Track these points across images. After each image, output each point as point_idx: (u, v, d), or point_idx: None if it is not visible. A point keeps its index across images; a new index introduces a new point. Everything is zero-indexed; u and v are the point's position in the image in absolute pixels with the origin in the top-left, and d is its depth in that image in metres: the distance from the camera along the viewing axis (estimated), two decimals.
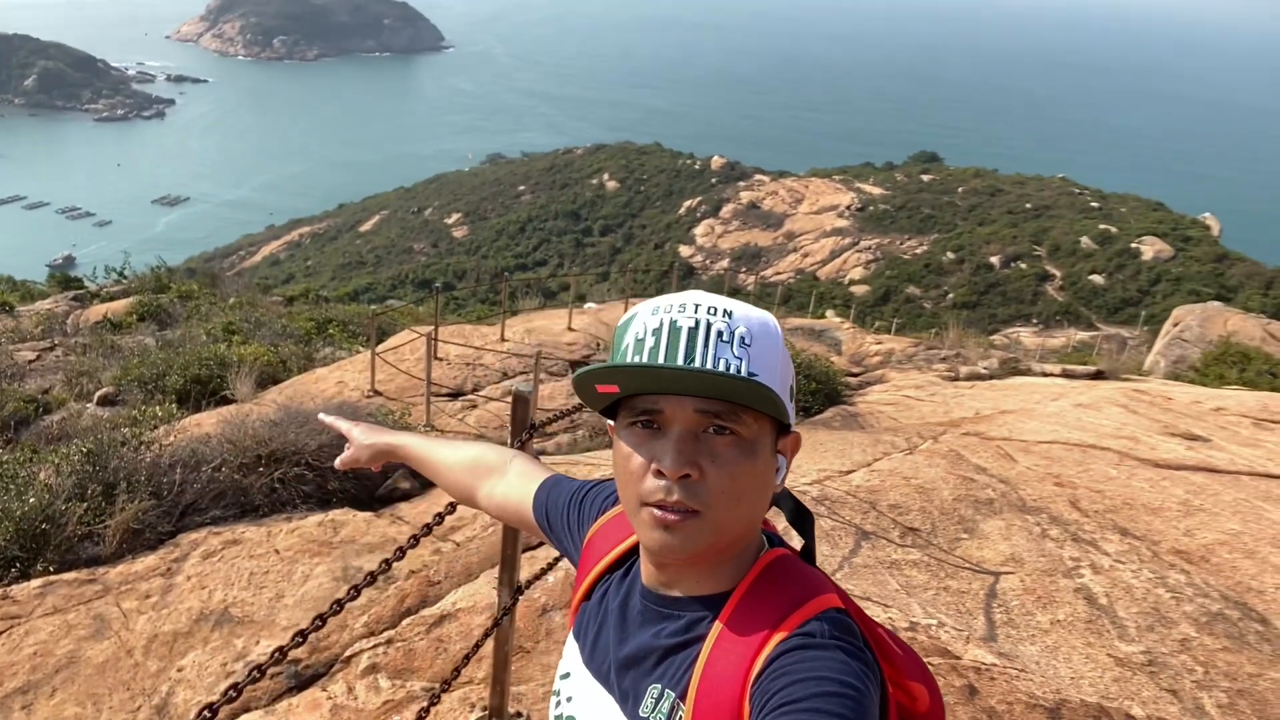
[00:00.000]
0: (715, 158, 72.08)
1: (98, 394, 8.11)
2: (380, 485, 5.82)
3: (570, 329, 10.65)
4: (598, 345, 10.31)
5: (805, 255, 57.53)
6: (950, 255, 51.15)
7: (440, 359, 8.85)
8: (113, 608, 4.19)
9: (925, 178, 66.04)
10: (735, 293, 32.00)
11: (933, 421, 7.11)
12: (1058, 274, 47.71)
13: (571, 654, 1.14)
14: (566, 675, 1.14)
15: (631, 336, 0.97)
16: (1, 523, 4.59)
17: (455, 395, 8.05)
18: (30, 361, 9.08)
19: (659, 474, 0.94)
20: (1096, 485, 4.97)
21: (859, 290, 48.76)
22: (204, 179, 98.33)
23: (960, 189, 62.69)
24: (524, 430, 2.44)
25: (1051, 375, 9.94)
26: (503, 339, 9.76)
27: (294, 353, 9.82)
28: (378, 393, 7.73)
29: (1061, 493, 4.85)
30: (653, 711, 0.98)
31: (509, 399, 7.27)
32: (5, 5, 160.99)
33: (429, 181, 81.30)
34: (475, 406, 7.52)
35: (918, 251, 53.40)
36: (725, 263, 57.52)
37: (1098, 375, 9.86)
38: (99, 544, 4.84)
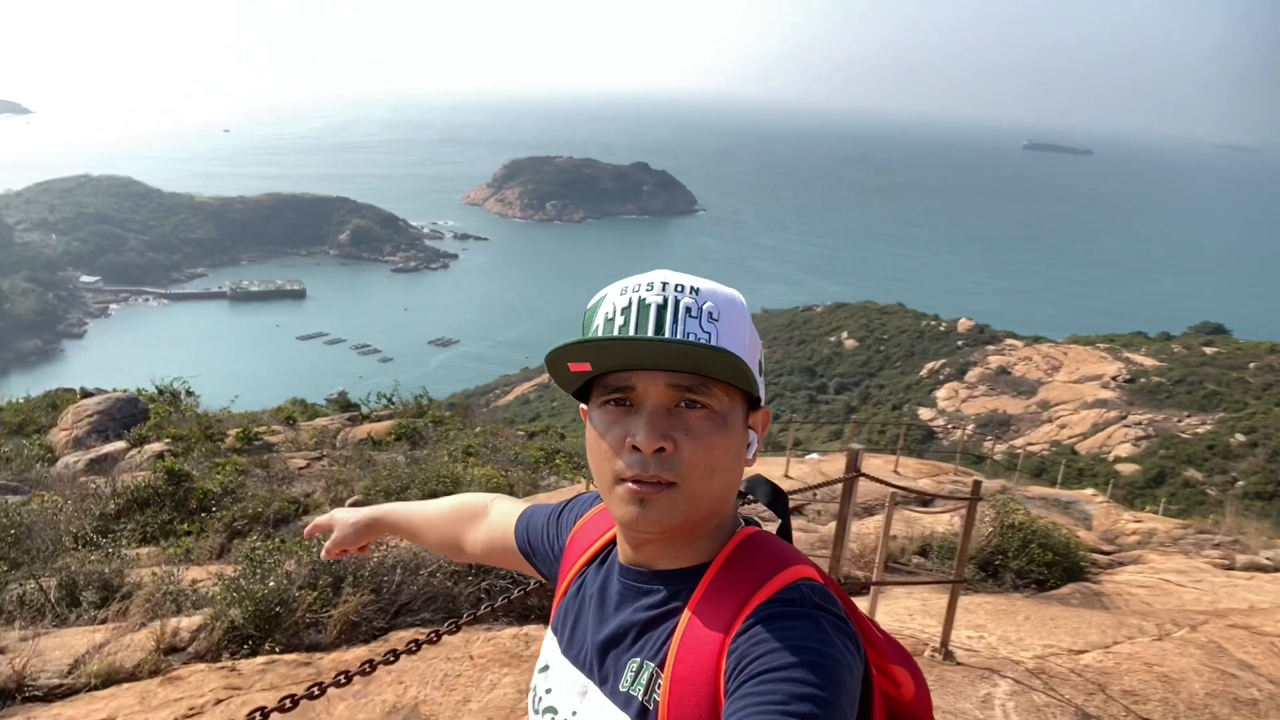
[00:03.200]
0: (962, 320, 69.81)
1: (348, 501, 8.92)
2: None
3: (787, 476, 10.46)
4: (814, 495, 10.02)
5: (1062, 426, 53.34)
6: (1240, 438, 45.39)
7: None
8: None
9: (1208, 350, 59.89)
10: (979, 461, 30.02)
11: (1194, 610, 6.17)
12: None
13: (550, 646, 1.14)
14: (545, 668, 1.12)
15: (601, 317, 0.98)
16: (244, 601, 5.10)
17: None
18: (300, 468, 10.25)
19: (634, 449, 0.94)
20: None
21: (1126, 469, 44.19)
22: (474, 324, 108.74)
23: (1252, 365, 56.14)
24: None
25: None
26: None
27: (522, 478, 10.35)
28: None
29: None
30: (632, 684, 0.98)
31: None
32: (329, 175, 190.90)
33: None
34: None
35: (1199, 431, 47.89)
36: (970, 429, 54.55)
37: None
38: (320, 632, 5.22)
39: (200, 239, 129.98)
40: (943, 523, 8.25)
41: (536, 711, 1.10)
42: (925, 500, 10.02)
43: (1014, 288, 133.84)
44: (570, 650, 1.09)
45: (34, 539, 6.72)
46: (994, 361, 62.62)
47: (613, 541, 1.13)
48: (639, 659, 0.98)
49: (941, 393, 61.30)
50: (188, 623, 5.18)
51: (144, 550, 7.25)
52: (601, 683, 1.02)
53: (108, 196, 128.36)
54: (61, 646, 4.79)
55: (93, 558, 6.43)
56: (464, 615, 5.67)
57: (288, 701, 1.99)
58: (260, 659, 4.70)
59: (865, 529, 7.80)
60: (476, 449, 11.19)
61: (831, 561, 3.91)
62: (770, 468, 11.24)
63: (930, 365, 64.75)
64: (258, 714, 1.90)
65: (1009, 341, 66.08)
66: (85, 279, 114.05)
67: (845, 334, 71.90)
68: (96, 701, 4.28)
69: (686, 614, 0.96)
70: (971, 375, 62.04)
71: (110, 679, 4.56)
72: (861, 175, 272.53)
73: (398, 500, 8.62)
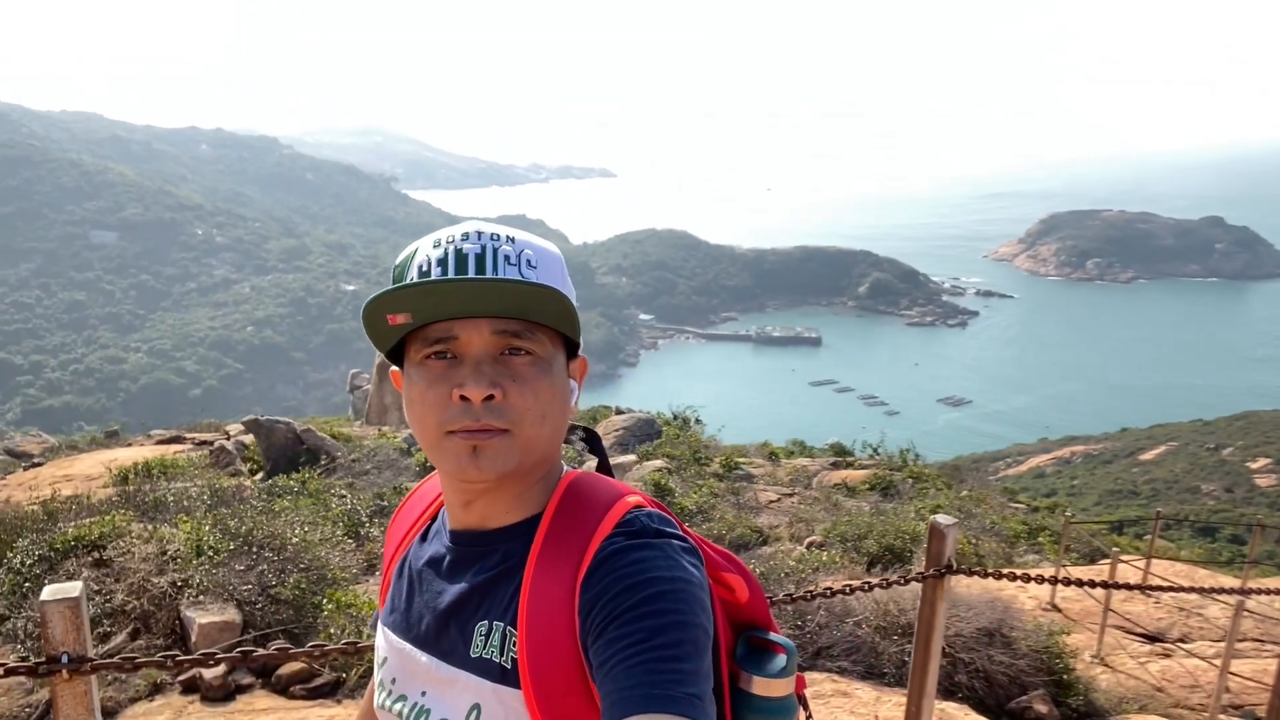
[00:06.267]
0: None
1: (807, 539, 9.10)
2: (1016, 698, 5.24)
3: None
4: None
5: None
6: None
7: (1150, 596, 7.62)
8: None
9: None
10: None
11: None
12: None
13: (383, 639, 1.07)
14: (384, 661, 1.06)
15: (415, 270, 0.95)
16: None
17: (1152, 639, 6.82)
18: (770, 502, 10.72)
19: (462, 399, 0.92)
20: None
21: None
22: (989, 386, 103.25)
23: None
24: (936, 566, 2.04)
25: None
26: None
27: (993, 550, 9.55)
28: (1056, 608, 7.02)
29: None
30: (484, 648, 0.95)
31: (1218, 661, 5.87)
32: (853, 228, 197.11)
33: (1236, 418, 71.10)
34: (1168, 656, 6.24)
35: None
36: None
37: None
38: None
39: (735, 286, 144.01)
40: None
41: (385, 708, 1.05)
42: None
43: None
44: (408, 633, 1.04)
45: None
46: None
47: (434, 517, 1.10)
48: (487, 621, 0.96)
49: None
50: None
51: None
52: (448, 654, 0.98)
53: (667, 247, 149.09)
54: None
55: None
56: (884, 675, 5.37)
57: None
58: None
59: None
60: (947, 510, 10.61)
61: (1273, 700, 2.91)
62: None
63: None
64: None
65: None
66: (643, 316, 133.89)
67: None
68: None
69: (530, 566, 0.95)
70: None
71: None
72: None
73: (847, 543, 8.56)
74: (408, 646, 1.04)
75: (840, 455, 18.90)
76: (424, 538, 1.10)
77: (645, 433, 15.95)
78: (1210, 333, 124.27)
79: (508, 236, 0.97)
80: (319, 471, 8.60)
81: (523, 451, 0.95)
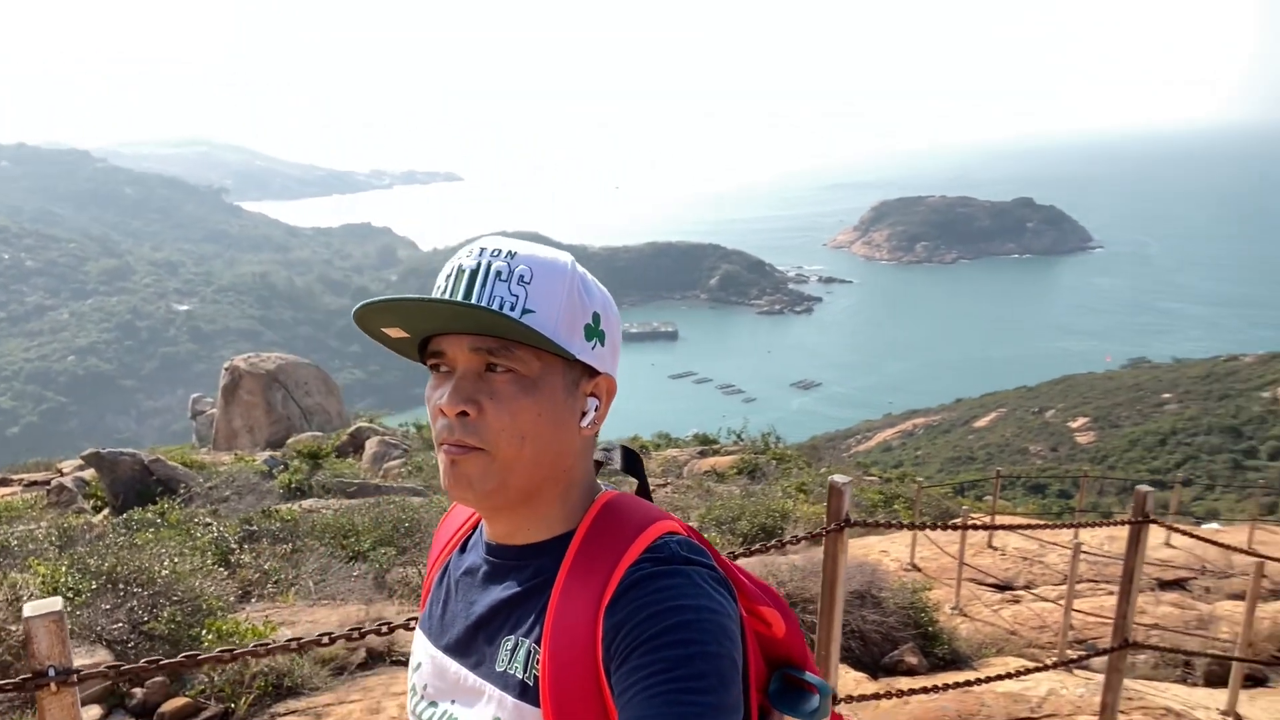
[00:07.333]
0: None
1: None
2: (888, 653, 5.63)
3: (1168, 545, 9.06)
4: (1203, 569, 8.59)
5: None
6: None
7: (996, 549, 8.30)
8: None
9: None
10: None
11: None
12: None
13: (420, 644, 1.11)
14: (419, 666, 1.10)
15: (439, 283, 0.98)
16: None
17: (1002, 588, 7.44)
18: None
19: (443, 413, 0.94)
20: None
21: None
22: (836, 368, 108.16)
23: None
24: (836, 521, 2.28)
25: None
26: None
27: (857, 519, 10.12)
28: (916, 568, 7.55)
29: None
30: (509, 663, 0.96)
31: (1060, 601, 6.48)
32: (701, 223, 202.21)
33: (1055, 382, 77.28)
34: (1018, 602, 6.84)
35: None
36: None
37: None
38: None
39: None
40: None
41: (415, 713, 1.08)
42: None
43: None
44: (442, 640, 1.06)
45: (423, 533, 7.93)
46: None
47: (474, 528, 1.12)
48: (514, 636, 0.97)
49: None
50: None
51: None
52: (477, 666, 1.00)
53: None
54: None
55: None
56: None
57: None
58: None
59: None
60: (810, 487, 11.17)
61: (1117, 619, 3.34)
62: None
63: None
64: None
65: None
66: None
67: None
68: None
69: (557, 585, 0.94)
70: None
71: None
72: None
73: (726, 529, 8.89)
74: (439, 654, 1.06)
75: (706, 444, 19.40)
76: (463, 548, 1.12)
77: None
78: (1026, 305, 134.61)
79: (509, 252, 0.95)
80: (178, 501, 8.17)
81: (502, 472, 0.94)
